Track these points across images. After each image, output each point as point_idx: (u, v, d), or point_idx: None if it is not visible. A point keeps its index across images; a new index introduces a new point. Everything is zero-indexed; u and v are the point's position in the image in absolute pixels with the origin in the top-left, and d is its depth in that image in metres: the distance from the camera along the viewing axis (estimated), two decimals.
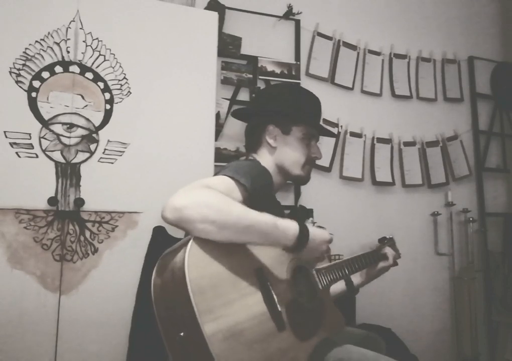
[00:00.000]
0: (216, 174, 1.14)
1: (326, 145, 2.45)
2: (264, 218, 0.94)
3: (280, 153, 1.27)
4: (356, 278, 1.40)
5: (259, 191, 1.08)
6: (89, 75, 1.59)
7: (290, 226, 0.98)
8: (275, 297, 0.96)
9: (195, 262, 0.85)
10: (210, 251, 0.89)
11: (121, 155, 1.61)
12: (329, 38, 2.60)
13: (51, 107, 1.53)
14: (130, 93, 1.64)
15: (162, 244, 1.05)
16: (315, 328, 1.07)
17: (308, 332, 1.04)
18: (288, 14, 2.49)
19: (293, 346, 0.98)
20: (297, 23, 2.52)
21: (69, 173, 1.53)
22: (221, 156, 2.15)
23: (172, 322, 0.88)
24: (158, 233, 1.38)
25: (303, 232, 0.99)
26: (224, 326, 0.84)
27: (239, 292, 0.90)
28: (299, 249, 0.99)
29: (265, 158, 1.26)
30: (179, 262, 0.86)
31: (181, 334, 0.84)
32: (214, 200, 0.89)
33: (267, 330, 0.92)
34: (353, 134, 2.59)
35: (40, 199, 1.48)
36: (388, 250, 1.42)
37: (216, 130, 1.85)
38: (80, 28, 1.59)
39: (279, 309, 0.96)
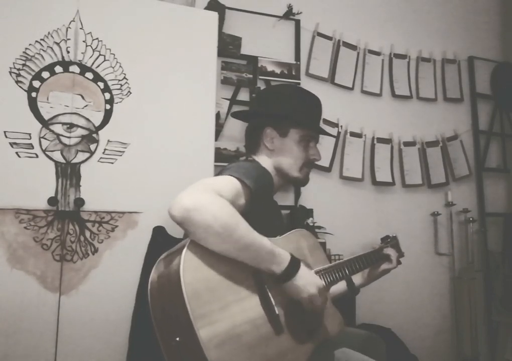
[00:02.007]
0: (218, 173, 1.14)
1: (326, 145, 2.45)
2: (263, 243, 0.94)
3: (278, 156, 1.26)
4: (357, 279, 1.39)
5: (261, 193, 1.08)
6: (89, 75, 1.59)
7: (284, 257, 0.97)
8: (272, 300, 0.95)
9: (190, 266, 0.85)
10: (206, 255, 0.88)
11: (121, 155, 1.61)
12: (329, 38, 2.60)
13: (51, 107, 1.53)
14: (130, 93, 1.64)
15: (162, 244, 1.05)
16: (314, 330, 1.07)
17: (306, 335, 1.03)
18: (288, 14, 2.49)
19: (292, 350, 0.97)
20: (297, 23, 2.52)
21: (69, 173, 1.53)
22: (221, 156, 2.15)
23: (168, 326, 0.87)
24: (158, 233, 1.38)
25: (294, 264, 0.97)
26: (220, 331, 0.83)
27: (235, 296, 0.90)
28: (286, 280, 0.96)
29: (264, 160, 1.26)
30: (175, 266, 0.85)
31: (177, 338, 0.83)
32: (223, 212, 0.89)
33: (264, 333, 0.92)
34: (353, 134, 2.58)
35: (40, 199, 1.48)
36: (391, 252, 1.40)
37: (216, 130, 1.85)
38: (80, 28, 1.59)
39: (277, 312, 0.95)
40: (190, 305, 0.80)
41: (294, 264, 0.98)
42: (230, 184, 1.01)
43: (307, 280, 0.99)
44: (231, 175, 1.03)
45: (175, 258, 0.87)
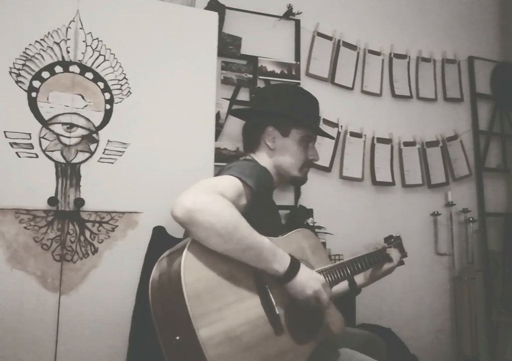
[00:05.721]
0: (218, 173, 1.14)
1: (326, 145, 2.45)
2: (264, 243, 0.94)
3: (278, 155, 1.27)
4: (359, 278, 1.39)
5: (262, 193, 1.08)
6: (89, 75, 1.59)
7: (284, 256, 0.98)
8: (273, 300, 0.95)
9: (191, 266, 0.85)
10: (207, 255, 0.88)
11: (121, 155, 1.61)
12: (329, 38, 2.60)
13: (51, 107, 1.53)
14: (130, 93, 1.64)
15: (162, 244, 1.05)
16: (314, 330, 1.07)
17: (307, 335, 1.03)
18: (288, 14, 2.49)
19: (292, 350, 0.97)
20: (297, 23, 2.52)
21: (69, 173, 1.53)
22: (221, 156, 2.15)
23: (168, 325, 0.87)
24: (158, 233, 1.38)
25: (295, 263, 0.98)
26: (220, 330, 0.83)
27: (236, 295, 0.90)
28: (289, 278, 0.97)
29: (264, 159, 1.26)
30: (176, 265, 0.85)
31: (177, 337, 0.83)
32: (225, 213, 0.89)
33: (264, 333, 0.92)
34: (353, 134, 2.58)
35: (40, 199, 1.48)
36: (393, 252, 1.41)
37: (216, 130, 1.85)
38: (80, 28, 1.59)
39: (277, 312, 0.95)
40: (190, 304, 0.81)
41: (295, 263, 0.98)
42: (231, 184, 1.00)
43: (310, 276, 0.99)
44: (232, 175, 1.03)
45: (177, 258, 0.87)
